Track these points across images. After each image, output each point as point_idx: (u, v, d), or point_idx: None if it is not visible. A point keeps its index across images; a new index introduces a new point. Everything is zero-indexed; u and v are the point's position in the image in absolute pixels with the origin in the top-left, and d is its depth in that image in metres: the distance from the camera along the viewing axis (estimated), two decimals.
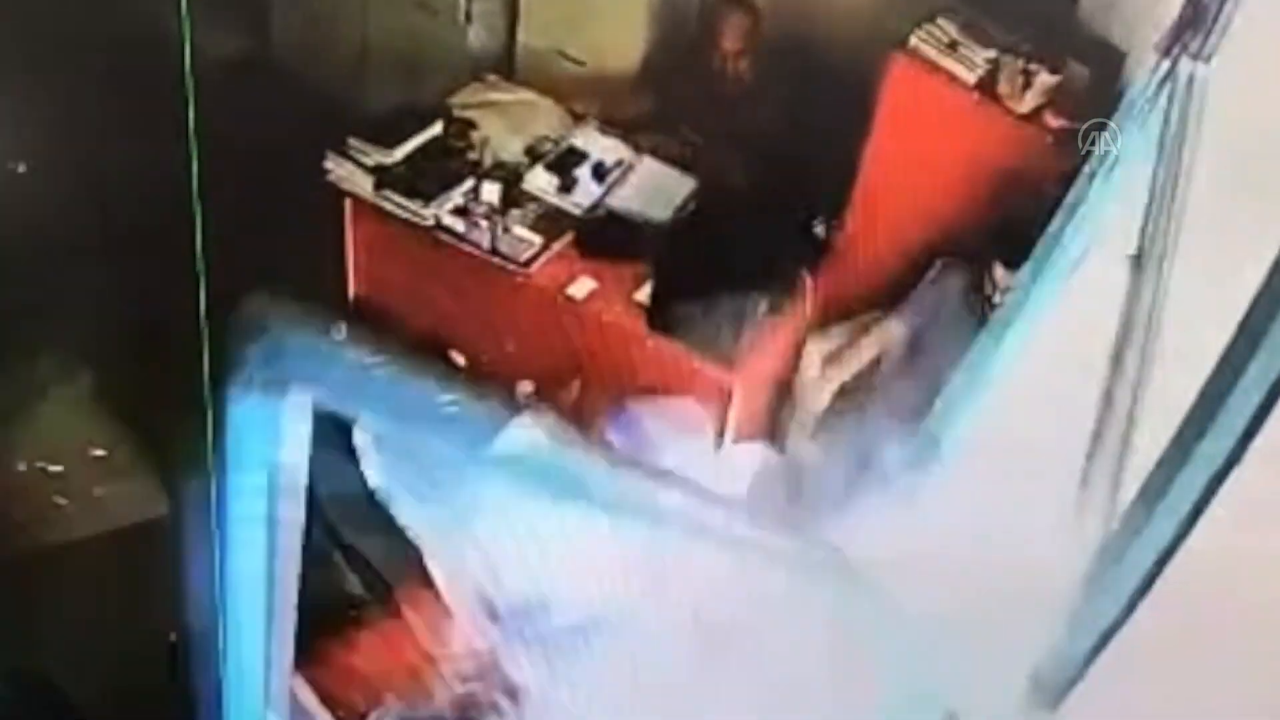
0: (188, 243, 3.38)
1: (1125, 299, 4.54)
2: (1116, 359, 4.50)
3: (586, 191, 6.11)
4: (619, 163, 6.26)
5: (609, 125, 6.41)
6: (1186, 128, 4.26)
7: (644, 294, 5.78)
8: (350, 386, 2.92)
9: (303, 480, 3.01)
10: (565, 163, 6.20)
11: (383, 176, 6.01)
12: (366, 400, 2.99)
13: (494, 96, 6.43)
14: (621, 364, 5.61)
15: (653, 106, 6.48)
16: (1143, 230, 4.48)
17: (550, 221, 6.02)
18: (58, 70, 6.51)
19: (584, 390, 5.63)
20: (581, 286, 5.85)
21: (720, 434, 5.66)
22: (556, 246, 5.94)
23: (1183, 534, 3.21)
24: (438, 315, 5.89)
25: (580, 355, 5.79)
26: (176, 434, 3.29)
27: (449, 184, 6.01)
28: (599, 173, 6.16)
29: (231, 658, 3.26)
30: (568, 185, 6.07)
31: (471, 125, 6.21)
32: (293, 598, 3.19)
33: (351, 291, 6.07)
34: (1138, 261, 4.47)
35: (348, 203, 6.01)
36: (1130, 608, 3.34)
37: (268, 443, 2.94)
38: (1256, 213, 4.11)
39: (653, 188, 6.16)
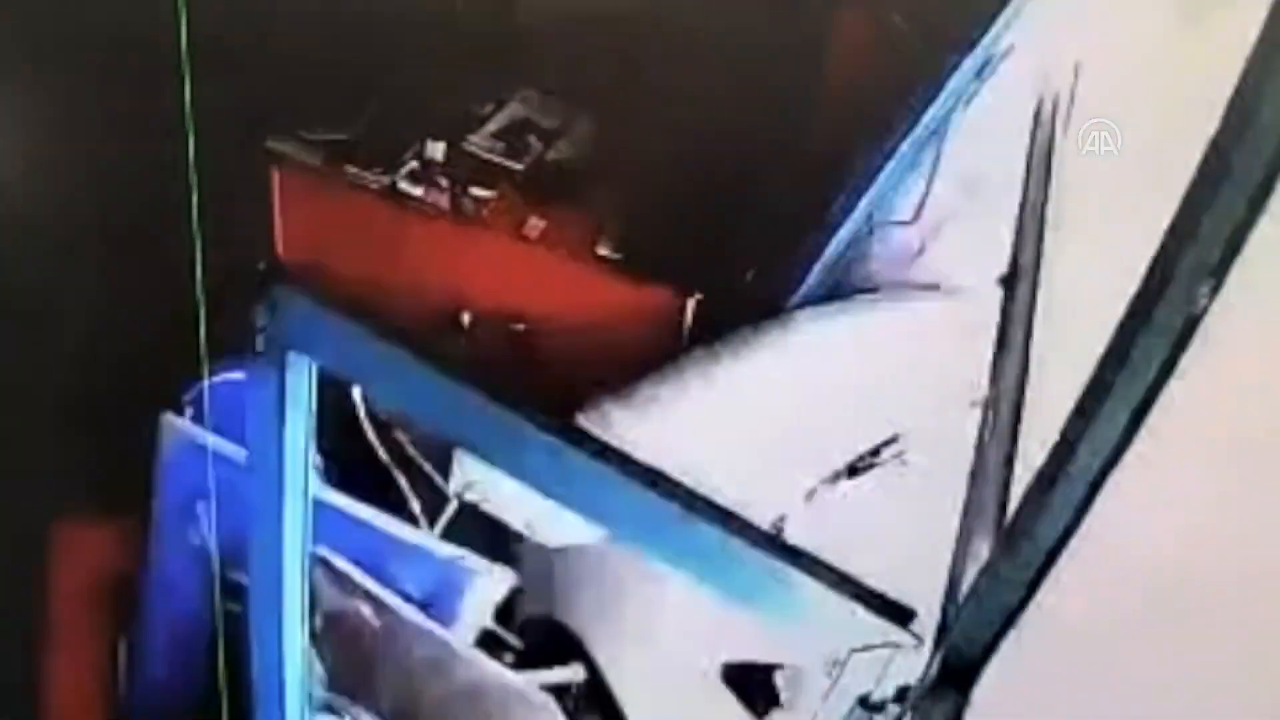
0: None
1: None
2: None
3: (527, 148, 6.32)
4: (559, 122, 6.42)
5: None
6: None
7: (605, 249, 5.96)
8: (345, 352, 3.19)
9: (307, 437, 3.30)
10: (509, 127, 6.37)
11: (333, 151, 6.21)
12: (359, 366, 3.27)
13: None
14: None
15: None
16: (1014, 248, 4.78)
17: (494, 176, 6.21)
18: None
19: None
20: (533, 228, 6.04)
21: None
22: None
23: (1075, 523, 3.37)
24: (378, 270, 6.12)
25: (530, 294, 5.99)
26: None
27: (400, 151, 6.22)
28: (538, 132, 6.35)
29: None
30: (511, 145, 6.27)
31: None
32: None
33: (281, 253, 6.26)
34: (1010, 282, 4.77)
35: (274, 174, 6.20)
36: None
37: (274, 402, 3.23)
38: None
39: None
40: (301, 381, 3.24)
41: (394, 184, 6.22)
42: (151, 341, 5.22)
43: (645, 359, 5.14)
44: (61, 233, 6.28)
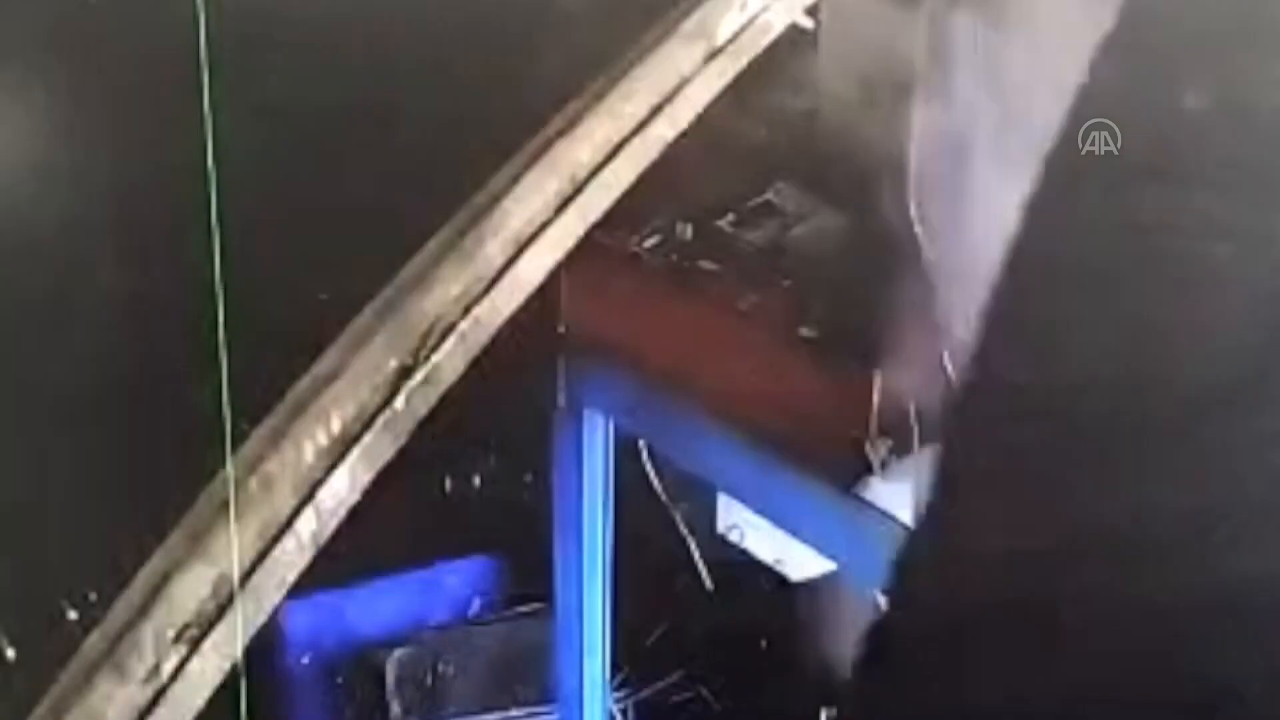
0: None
1: None
2: None
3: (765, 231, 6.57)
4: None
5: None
6: None
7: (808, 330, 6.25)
8: (635, 410, 3.67)
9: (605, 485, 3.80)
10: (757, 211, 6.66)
11: None
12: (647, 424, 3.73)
13: None
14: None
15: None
16: None
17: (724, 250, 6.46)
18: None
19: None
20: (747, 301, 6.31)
21: None
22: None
23: None
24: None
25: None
26: None
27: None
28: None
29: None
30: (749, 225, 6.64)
31: None
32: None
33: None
34: None
35: None
36: None
37: (573, 455, 3.73)
38: None
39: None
40: (597, 436, 3.73)
41: (636, 252, 6.69)
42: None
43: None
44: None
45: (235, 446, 4.56)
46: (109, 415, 6.55)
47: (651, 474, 5.96)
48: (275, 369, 5.55)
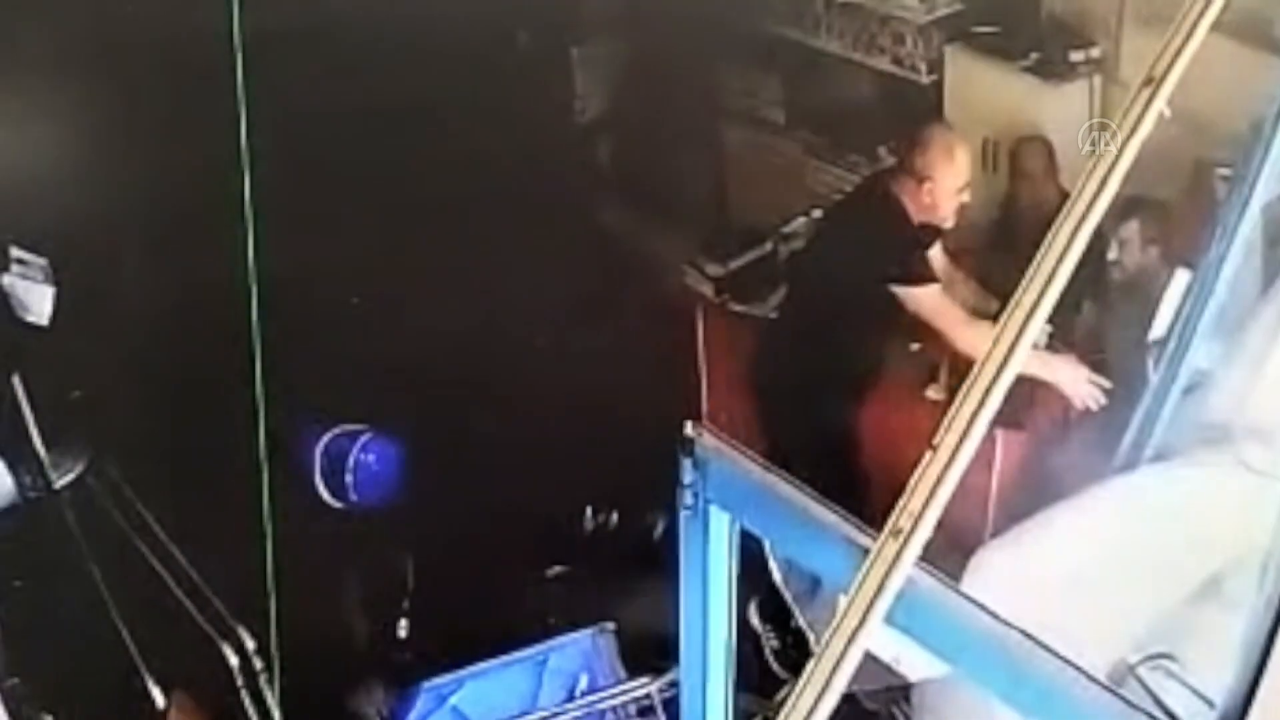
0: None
1: None
2: None
3: None
4: None
5: None
6: None
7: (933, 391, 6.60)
8: (759, 510, 3.67)
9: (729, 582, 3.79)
10: None
11: (721, 283, 6.86)
12: (769, 523, 3.73)
13: None
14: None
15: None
16: None
17: None
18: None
19: None
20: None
21: None
22: None
23: None
24: None
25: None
26: None
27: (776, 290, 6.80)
28: None
29: None
30: None
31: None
32: None
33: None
34: None
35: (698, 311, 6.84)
36: None
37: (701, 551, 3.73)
38: None
39: None
40: (722, 535, 3.72)
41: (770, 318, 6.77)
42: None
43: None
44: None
45: (269, 451, 4.70)
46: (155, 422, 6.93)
47: (775, 571, 6.04)
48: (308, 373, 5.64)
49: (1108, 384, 6.16)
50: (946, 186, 6.46)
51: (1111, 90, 7.29)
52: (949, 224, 6.55)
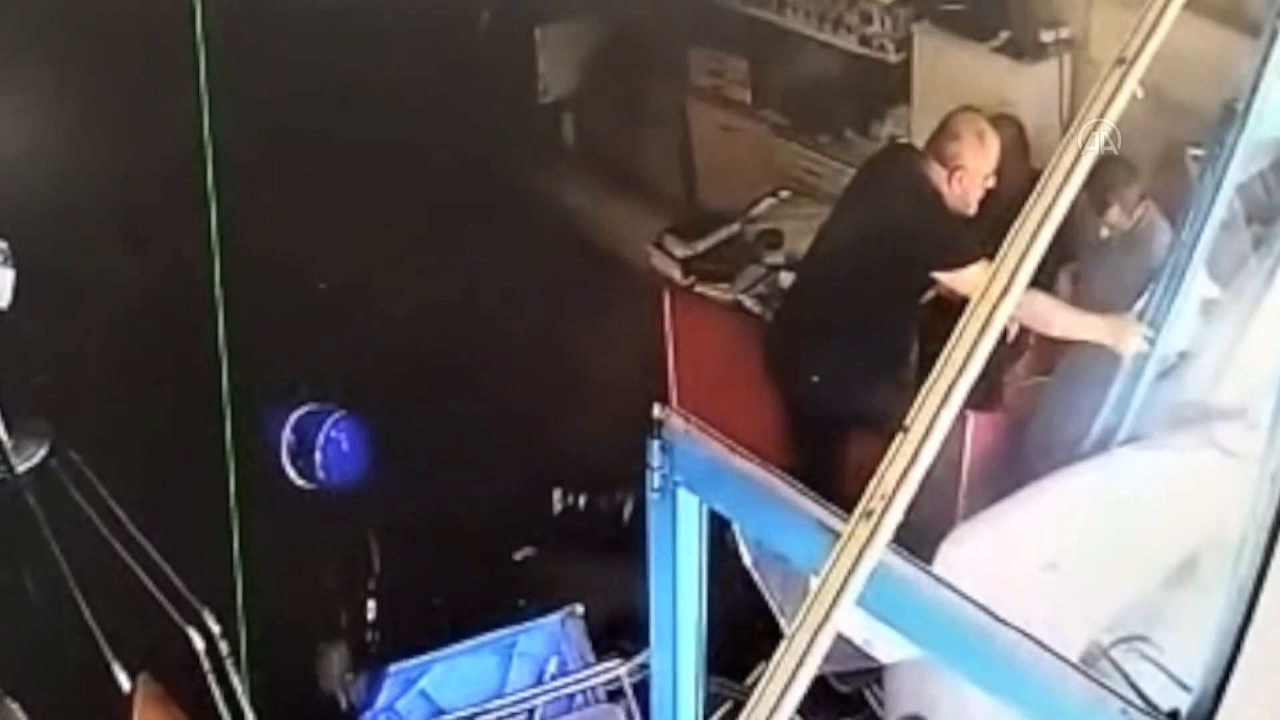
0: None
1: None
2: None
3: None
4: None
5: None
6: None
7: None
8: (728, 492, 3.65)
9: (698, 565, 3.78)
10: None
11: (689, 265, 6.83)
12: (738, 505, 3.72)
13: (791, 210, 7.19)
14: None
15: None
16: None
17: None
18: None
19: None
20: None
21: None
22: None
23: None
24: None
25: None
26: None
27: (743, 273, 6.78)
28: None
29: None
30: None
31: (776, 234, 6.97)
32: None
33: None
34: None
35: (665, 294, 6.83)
36: None
37: (670, 533, 3.71)
38: None
39: None
40: (691, 518, 3.70)
41: (739, 300, 6.75)
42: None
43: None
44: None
45: (235, 434, 4.69)
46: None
47: (744, 553, 6.01)
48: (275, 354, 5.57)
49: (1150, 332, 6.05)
50: (977, 174, 6.45)
51: (1083, 69, 7.27)
52: (973, 210, 6.50)
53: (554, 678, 6.36)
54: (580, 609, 6.44)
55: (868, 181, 6.86)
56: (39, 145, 6.88)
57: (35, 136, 6.86)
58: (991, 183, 6.49)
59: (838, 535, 3.21)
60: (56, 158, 6.92)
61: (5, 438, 5.63)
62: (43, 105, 6.92)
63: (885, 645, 5.12)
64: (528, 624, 6.43)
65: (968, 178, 6.44)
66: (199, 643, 5.83)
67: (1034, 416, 6.54)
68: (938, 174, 6.47)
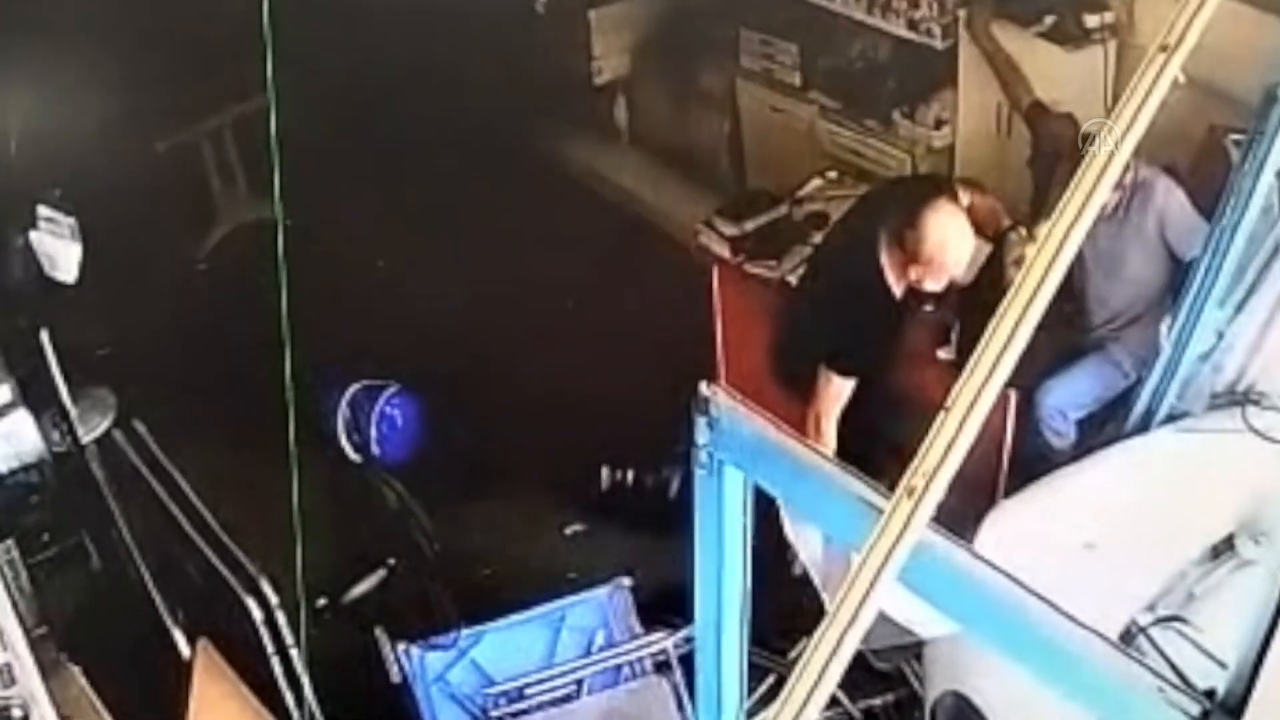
0: None
1: None
2: None
3: None
4: None
5: None
6: None
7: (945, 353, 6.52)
8: (773, 468, 3.73)
9: (743, 539, 3.88)
10: None
11: (737, 244, 6.93)
12: (783, 481, 3.80)
13: (838, 191, 7.25)
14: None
15: None
16: None
17: None
18: None
19: None
20: None
21: None
22: None
23: None
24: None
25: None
26: None
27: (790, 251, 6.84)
28: None
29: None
30: None
31: (822, 215, 7.04)
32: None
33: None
34: None
35: (714, 272, 6.91)
36: None
37: (716, 509, 3.81)
38: None
39: None
40: (737, 494, 3.79)
41: (783, 279, 6.83)
42: None
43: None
44: None
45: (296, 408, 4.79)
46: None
47: (788, 529, 6.10)
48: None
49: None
50: (937, 270, 5.93)
51: (1127, 54, 7.30)
52: (938, 289, 6.07)
53: (601, 649, 6.43)
54: (627, 582, 6.52)
55: (846, 227, 6.56)
56: (107, 125, 6.99)
57: (103, 116, 6.95)
58: (959, 271, 5.98)
59: (880, 512, 3.26)
60: (124, 134, 6.99)
61: (72, 409, 5.75)
62: (109, 84, 6.98)
63: (926, 622, 5.21)
64: (577, 596, 6.50)
65: (925, 273, 5.93)
66: (257, 612, 5.98)
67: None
68: (893, 256, 5.99)
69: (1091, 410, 6.56)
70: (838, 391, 6.05)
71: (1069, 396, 6.53)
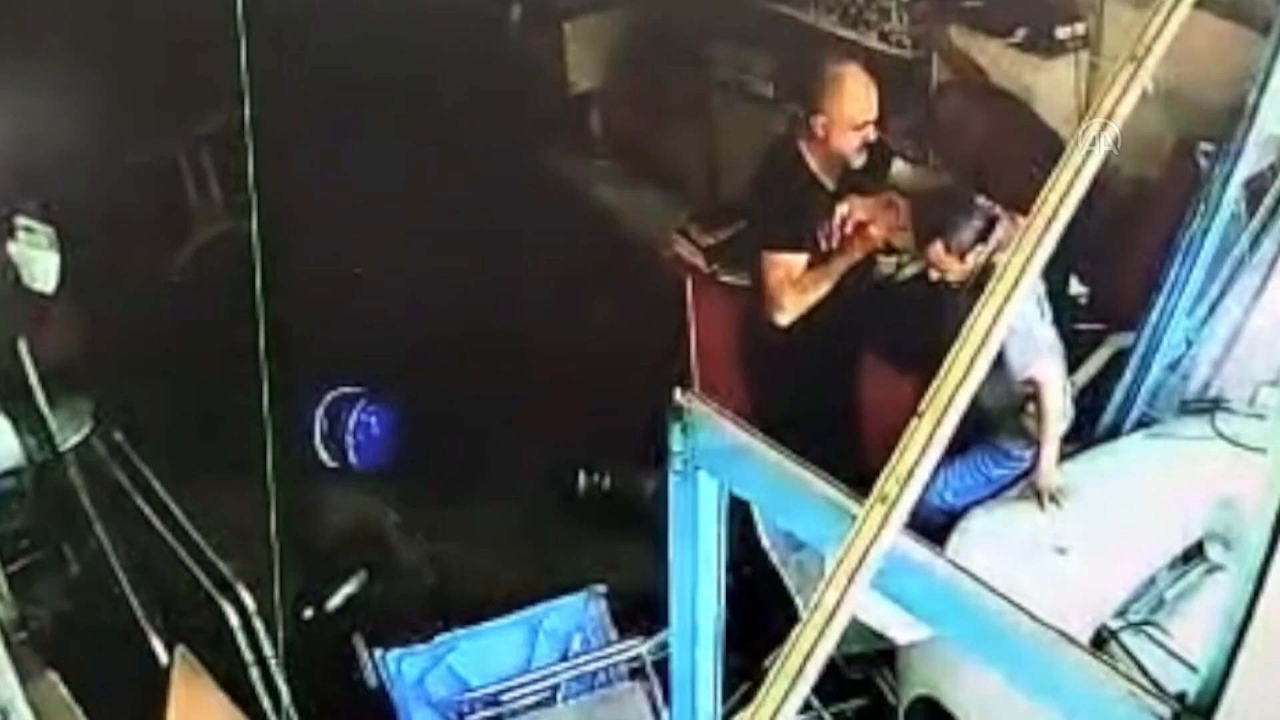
0: None
1: None
2: None
3: None
4: None
5: None
6: None
7: None
8: (748, 475, 3.76)
9: (717, 545, 3.91)
10: None
11: (711, 253, 6.96)
12: (757, 488, 3.82)
13: None
14: None
15: None
16: None
17: None
18: None
19: None
20: None
21: None
22: None
23: None
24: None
25: None
26: None
27: None
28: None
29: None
30: None
31: None
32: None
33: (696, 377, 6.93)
34: None
35: (688, 281, 6.94)
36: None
37: (691, 515, 3.84)
38: None
39: None
40: (711, 499, 3.81)
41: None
42: None
43: None
44: None
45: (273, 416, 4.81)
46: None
47: (763, 535, 6.12)
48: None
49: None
50: (840, 120, 6.09)
51: (1098, 65, 7.35)
52: (858, 163, 6.27)
53: (577, 655, 6.44)
54: (602, 588, 6.53)
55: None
56: (83, 134, 6.98)
57: (79, 125, 6.93)
58: (869, 132, 6.15)
59: (853, 517, 3.28)
60: (100, 145, 7.00)
61: (49, 416, 5.76)
62: (86, 95, 6.97)
63: (900, 627, 5.24)
64: (553, 602, 6.52)
65: (831, 126, 6.11)
66: (234, 618, 6.00)
67: None
68: (806, 132, 6.22)
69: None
70: (787, 267, 6.15)
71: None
